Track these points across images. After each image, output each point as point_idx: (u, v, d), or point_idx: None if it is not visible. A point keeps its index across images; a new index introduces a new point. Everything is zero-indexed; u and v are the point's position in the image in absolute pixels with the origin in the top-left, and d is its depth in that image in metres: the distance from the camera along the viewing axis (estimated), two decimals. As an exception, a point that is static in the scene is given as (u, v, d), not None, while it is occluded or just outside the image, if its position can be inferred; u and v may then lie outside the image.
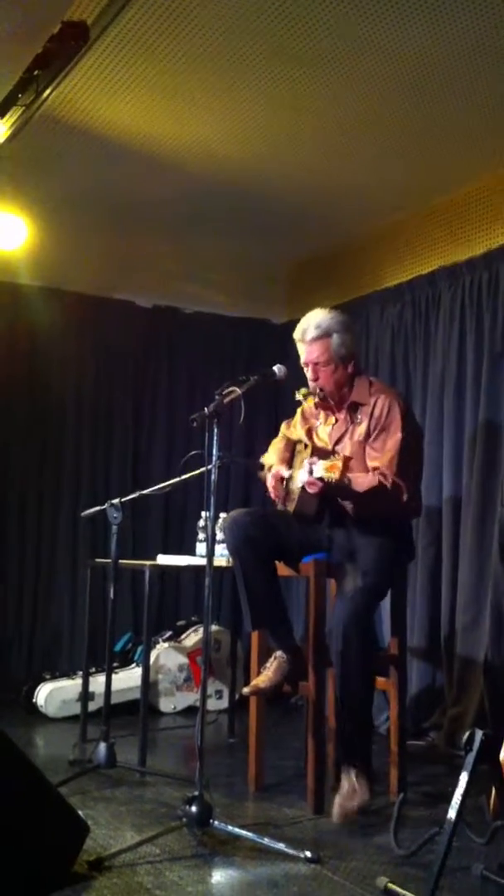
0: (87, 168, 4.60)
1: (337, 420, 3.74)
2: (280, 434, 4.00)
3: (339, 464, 3.24)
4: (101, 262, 5.83)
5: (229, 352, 6.41)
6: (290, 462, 3.79)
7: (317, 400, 3.75)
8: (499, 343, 4.58)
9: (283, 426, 4.02)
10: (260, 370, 3.52)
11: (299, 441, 3.80)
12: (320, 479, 3.28)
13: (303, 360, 3.72)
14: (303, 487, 3.46)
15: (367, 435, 3.59)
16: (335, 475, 3.22)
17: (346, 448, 3.61)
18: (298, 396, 3.76)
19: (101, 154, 4.44)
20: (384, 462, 3.49)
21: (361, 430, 3.61)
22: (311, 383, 3.70)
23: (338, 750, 3.57)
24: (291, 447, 3.85)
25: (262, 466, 3.91)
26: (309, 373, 3.70)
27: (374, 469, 3.50)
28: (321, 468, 3.30)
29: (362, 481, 3.45)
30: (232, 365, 6.19)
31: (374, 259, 5.55)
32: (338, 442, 3.68)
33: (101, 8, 3.29)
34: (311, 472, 3.33)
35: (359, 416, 3.65)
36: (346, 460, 3.30)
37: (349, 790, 3.32)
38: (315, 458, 3.39)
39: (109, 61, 3.66)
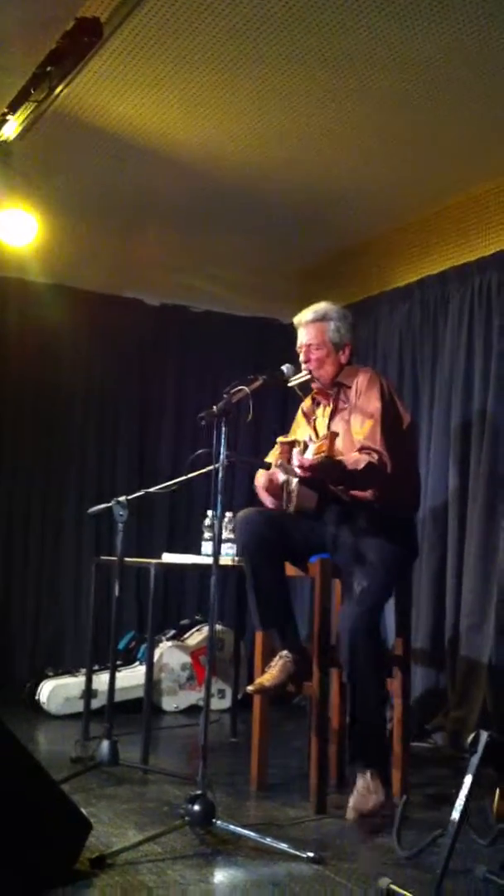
0: (98, 165, 4.61)
1: (329, 407, 3.76)
2: (274, 448, 3.99)
3: (326, 441, 3.26)
4: (111, 259, 5.83)
5: (238, 351, 6.40)
6: None
7: (310, 385, 3.76)
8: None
9: (279, 440, 4.01)
10: (268, 370, 3.54)
11: (296, 442, 3.80)
12: (310, 461, 3.31)
13: (298, 343, 3.77)
14: (299, 481, 3.47)
15: (352, 415, 3.62)
16: (324, 451, 3.25)
17: (337, 429, 3.61)
18: (292, 382, 3.72)
19: (113, 151, 4.44)
20: (365, 433, 3.50)
21: (349, 411, 3.63)
22: (303, 367, 3.72)
23: (352, 751, 3.57)
24: (287, 453, 3.85)
25: (267, 466, 3.90)
26: (302, 356, 3.74)
27: (358, 445, 3.50)
28: (310, 452, 3.32)
29: (353, 460, 3.44)
30: (240, 364, 6.18)
31: (383, 259, 5.55)
32: (330, 426, 3.68)
33: (115, 5, 3.29)
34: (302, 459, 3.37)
35: (346, 401, 3.67)
36: (332, 436, 3.31)
37: (364, 791, 3.32)
38: (302, 448, 3.43)
39: (122, 59, 3.67)
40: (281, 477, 3.65)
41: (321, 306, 3.76)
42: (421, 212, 5.15)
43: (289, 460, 3.78)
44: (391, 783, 3.54)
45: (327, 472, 3.40)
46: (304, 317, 3.77)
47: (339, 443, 3.55)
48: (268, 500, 3.77)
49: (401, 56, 3.58)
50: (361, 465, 3.41)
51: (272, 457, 3.95)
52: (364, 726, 3.42)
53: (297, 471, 3.43)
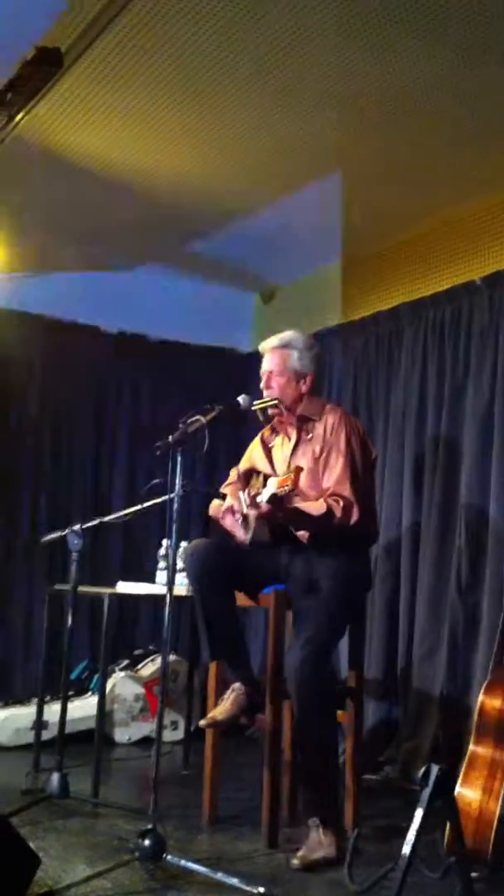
0: (58, 191, 4.61)
1: (290, 440, 3.76)
2: (230, 478, 4.00)
3: (291, 475, 3.25)
4: (68, 286, 5.82)
5: (194, 380, 6.39)
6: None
7: (270, 412, 3.76)
8: (460, 378, 4.64)
9: (233, 471, 4.02)
10: (224, 400, 3.54)
11: (254, 472, 3.80)
12: (273, 495, 3.30)
13: (262, 369, 3.79)
14: (256, 515, 3.48)
15: (320, 454, 3.61)
16: (288, 486, 3.24)
17: (299, 463, 3.60)
18: (256, 405, 3.74)
19: (72, 178, 4.45)
20: (333, 479, 3.51)
21: (315, 448, 3.63)
22: (264, 392, 3.74)
23: (304, 801, 3.47)
24: (245, 483, 3.86)
25: (222, 496, 3.90)
26: (263, 382, 3.76)
27: (326, 490, 3.51)
28: (273, 485, 3.32)
29: (311, 508, 3.45)
30: (196, 394, 6.17)
31: (339, 292, 5.60)
32: (292, 458, 3.69)
33: (76, 35, 3.32)
34: (256, 499, 3.37)
35: (309, 434, 3.67)
36: (298, 471, 3.31)
37: (314, 843, 3.24)
38: (265, 483, 3.43)
39: (82, 88, 3.69)
40: (237, 506, 3.65)
41: (287, 334, 3.78)
42: (376, 247, 5.21)
43: (245, 490, 3.78)
44: (343, 829, 3.48)
45: (285, 518, 3.42)
46: (269, 343, 3.79)
47: (301, 478, 3.56)
48: (228, 525, 3.74)
49: (361, 93, 3.63)
50: (317, 513, 3.42)
51: (224, 489, 3.95)
52: (313, 773, 3.36)
53: (252, 510, 3.44)
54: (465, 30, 3.24)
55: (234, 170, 4.39)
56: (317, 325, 5.61)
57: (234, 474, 3.98)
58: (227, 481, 4.00)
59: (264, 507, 3.40)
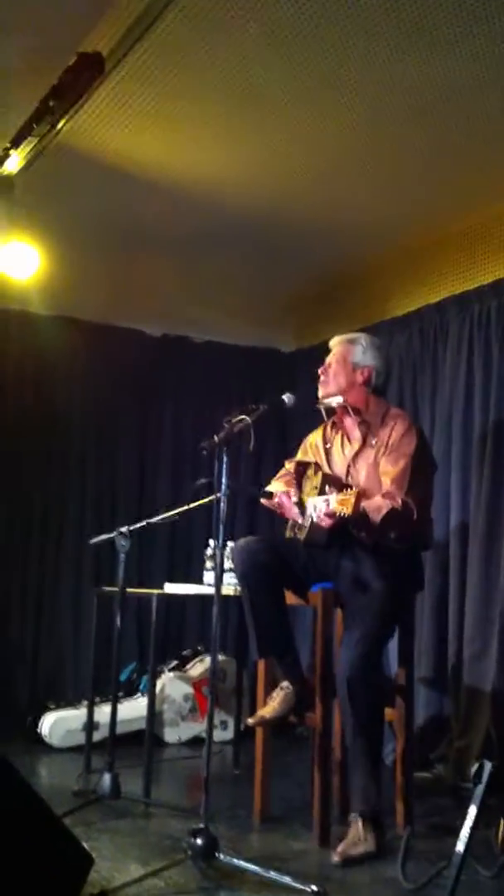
0: (101, 197, 4.64)
1: (352, 442, 3.75)
2: (284, 469, 3.99)
3: (352, 499, 3.22)
4: (112, 290, 5.86)
5: (238, 380, 6.42)
6: (299, 485, 3.79)
7: (324, 410, 3.80)
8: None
9: (287, 462, 4.01)
10: (269, 399, 3.55)
11: (308, 464, 3.79)
12: (332, 512, 3.28)
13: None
14: (315, 518, 3.46)
15: (384, 457, 3.61)
16: (347, 510, 3.21)
17: (360, 471, 3.62)
18: (323, 403, 3.81)
19: (115, 183, 4.48)
20: (393, 478, 3.51)
21: (380, 451, 3.62)
22: (320, 388, 3.77)
23: (350, 795, 3.50)
24: (299, 474, 3.85)
25: (269, 495, 3.89)
26: (321, 371, 3.80)
27: (385, 485, 3.50)
28: (334, 501, 3.29)
29: (375, 506, 3.42)
30: (240, 394, 6.20)
31: (382, 288, 5.57)
32: (354, 462, 3.69)
33: (117, 40, 3.33)
34: (325, 505, 3.33)
35: (373, 440, 3.66)
36: (359, 495, 3.28)
37: (354, 838, 3.27)
38: (332, 491, 3.39)
39: (124, 92, 3.70)
40: (294, 497, 3.64)
41: (357, 333, 3.89)
42: (419, 240, 5.17)
43: (299, 484, 3.76)
44: (391, 813, 3.50)
45: (348, 524, 3.40)
46: (336, 338, 3.87)
47: (362, 481, 3.60)
48: (287, 512, 3.74)
49: (399, 84, 3.59)
50: (381, 516, 3.39)
51: (277, 480, 3.93)
52: (358, 771, 3.37)
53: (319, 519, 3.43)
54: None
55: (272, 172, 4.36)
56: (361, 321, 5.59)
57: (289, 466, 3.96)
58: (280, 473, 3.99)
59: (325, 522, 3.38)
